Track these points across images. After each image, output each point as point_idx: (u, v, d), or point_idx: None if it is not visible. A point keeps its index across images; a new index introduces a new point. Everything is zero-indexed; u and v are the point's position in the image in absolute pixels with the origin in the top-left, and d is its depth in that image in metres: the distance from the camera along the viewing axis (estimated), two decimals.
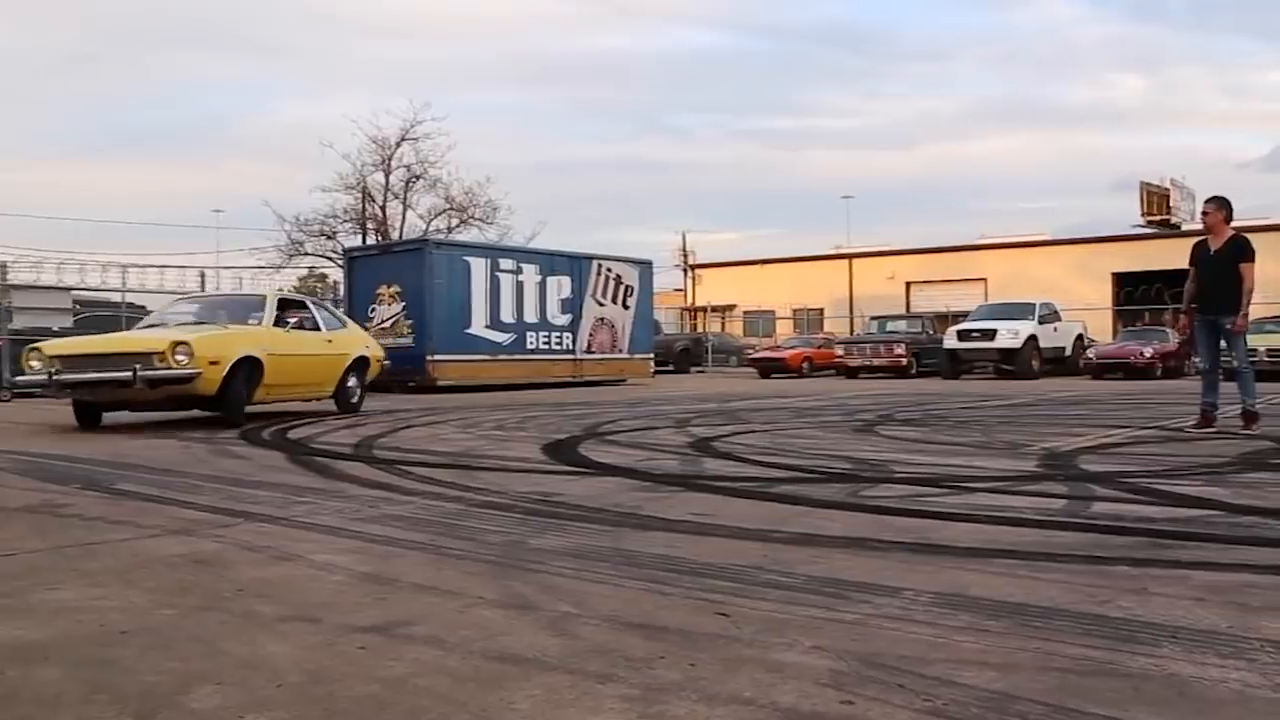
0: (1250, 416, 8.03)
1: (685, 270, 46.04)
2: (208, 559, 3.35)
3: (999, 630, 2.43)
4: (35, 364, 8.78)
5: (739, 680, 2.07)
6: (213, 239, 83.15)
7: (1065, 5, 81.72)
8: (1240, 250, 8.09)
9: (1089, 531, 3.76)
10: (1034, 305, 23.82)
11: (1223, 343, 8.28)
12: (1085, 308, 29.11)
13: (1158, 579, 2.96)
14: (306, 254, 31.83)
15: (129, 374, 8.40)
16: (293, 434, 8.19)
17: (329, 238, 31.03)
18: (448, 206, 31.23)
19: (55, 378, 8.53)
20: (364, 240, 29.69)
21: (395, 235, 29.47)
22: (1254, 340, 10.85)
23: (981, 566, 3.14)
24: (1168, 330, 23.83)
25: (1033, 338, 22.57)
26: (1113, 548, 3.43)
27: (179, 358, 8.60)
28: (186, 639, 2.43)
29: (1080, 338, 25.43)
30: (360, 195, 30.85)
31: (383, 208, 31.08)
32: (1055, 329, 24.08)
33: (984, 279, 37.49)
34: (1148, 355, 22.08)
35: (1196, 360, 8.78)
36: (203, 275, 31.64)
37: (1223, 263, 8.08)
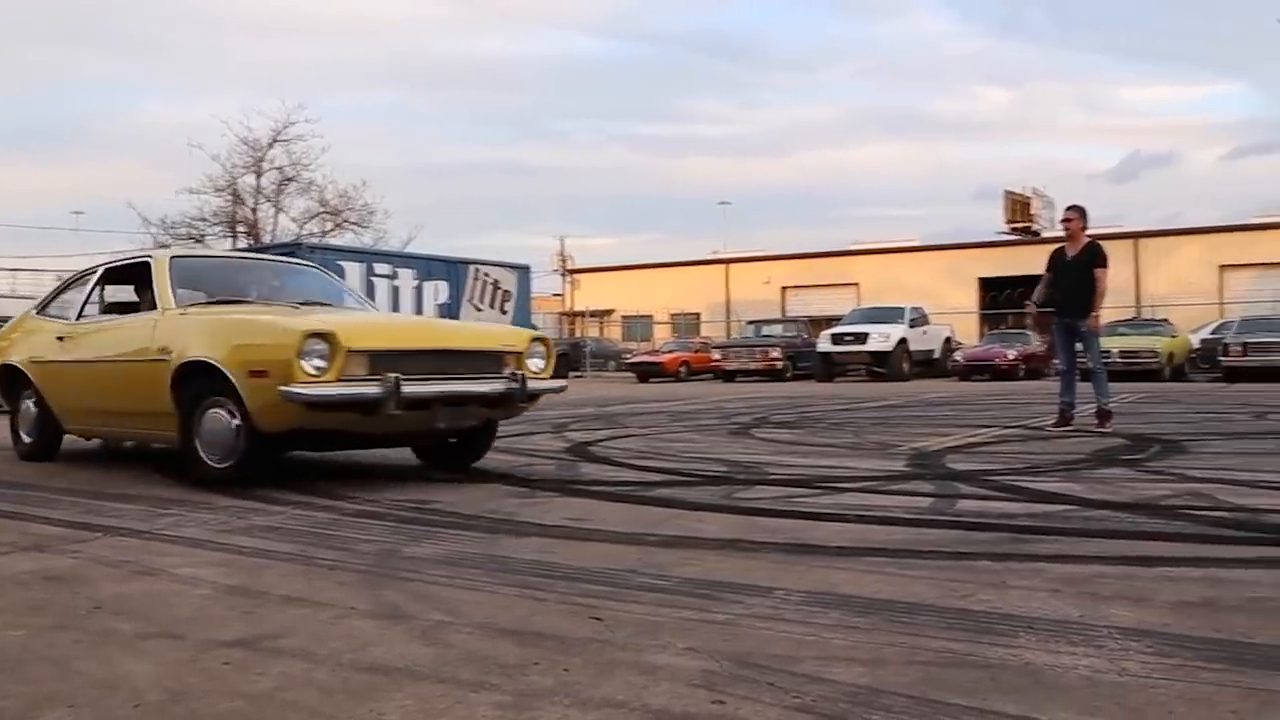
0: (1104, 415, 8.42)
1: (563, 275, 45.99)
2: (62, 576, 3.20)
3: (867, 627, 2.49)
4: (318, 363, 4.82)
5: (612, 684, 2.08)
6: (72, 242, 79.62)
7: (933, 20, 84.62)
8: (1095, 256, 8.49)
9: (954, 528, 3.89)
10: (904, 310, 24.54)
11: (1079, 344, 8.68)
12: (953, 312, 30.12)
13: (1016, 572, 3.08)
14: None
15: (505, 384, 5.46)
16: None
17: (197, 241, 30.03)
18: (322, 209, 30.58)
19: (401, 391, 4.89)
20: (234, 244, 28.84)
21: (267, 239, 28.69)
22: (1108, 342, 11.38)
23: (851, 565, 3.22)
24: (1030, 333, 24.82)
25: (903, 341, 23.24)
26: (976, 543, 3.55)
27: (533, 361, 5.85)
28: (37, 660, 2.32)
29: (948, 341, 26.32)
30: (230, 198, 29.97)
31: (254, 210, 30.25)
32: (924, 332, 24.86)
33: (857, 284, 38.44)
34: (1011, 357, 22.96)
35: (1057, 363, 9.16)
36: (60, 279, 30.28)
37: (1079, 268, 8.47)
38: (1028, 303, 9.11)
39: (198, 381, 5.22)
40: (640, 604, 2.73)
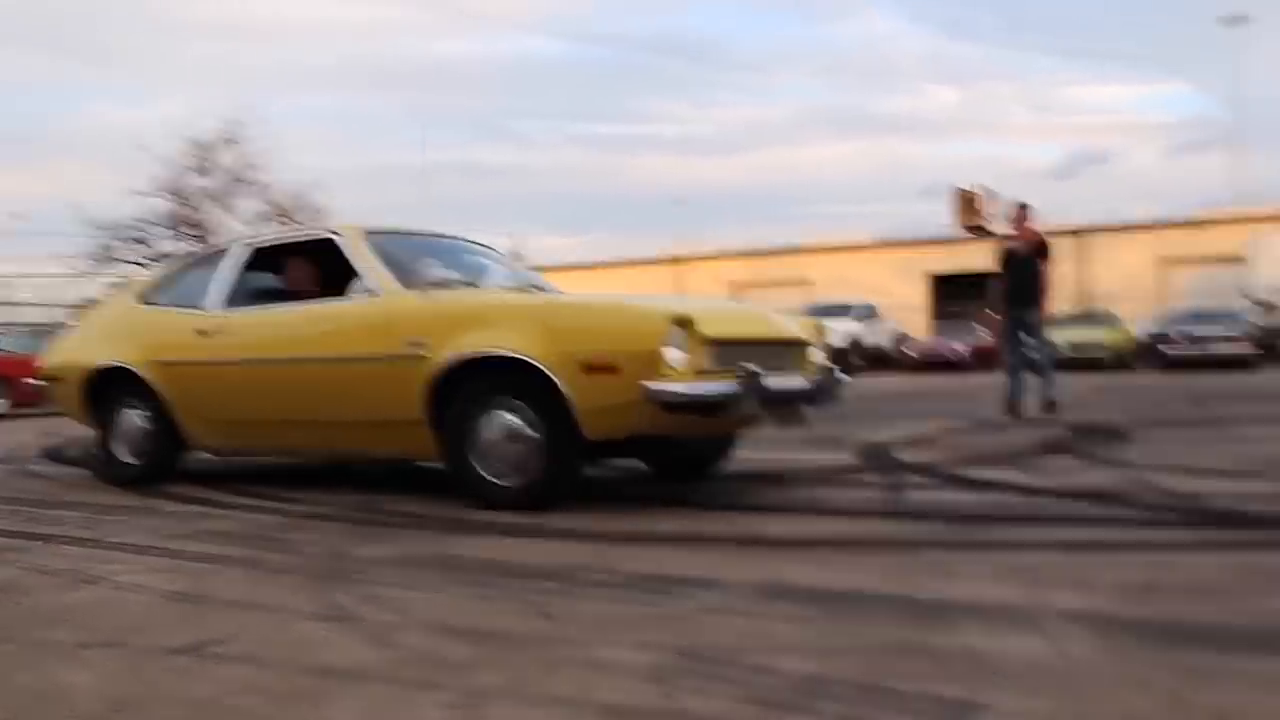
0: (1051, 405, 8.55)
1: None
2: (0, 586, 3.14)
3: (815, 618, 2.51)
4: (678, 356, 4.05)
5: (561, 680, 2.08)
6: (11, 245, 77.91)
7: (884, 20, 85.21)
8: (1041, 250, 8.65)
9: (901, 520, 3.93)
10: (852, 306, 24.74)
11: (1027, 337, 8.81)
12: (906, 307, 30.40)
13: (963, 561, 3.11)
14: (118, 260, 30.25)
15: (828, 377, 4.82)
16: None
17: (142, 243, 29.58)
18: (272, 211, 30.22)
19: (762, 387, 4.17)
20: (181, 246, 28.42)
21: (214, 241, 28.31)
22: (1056, 335, 11.55)
23: (801, 557, 3.24)
24: (979, 327, 25.13)
25: (854, 337, 23.41)
26: (924, 534, 3.60)
27: (818, 352, 5.01)
28: None
29: (900, 336, 26.56)
30: (177, 199, 29.53)
31: (197, 211, 29.83)
32: (875, 327, 25.07)
33: (812, 282, 38.65)
34: (962, 351, 23.24)
35: (1005, 355, 9.28)
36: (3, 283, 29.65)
37: (1028, 262, 8.63)
38: (989, 313, 9.25)
39: (474, 382, 4.32)
40: (591, 600, 2.73)
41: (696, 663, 2.16)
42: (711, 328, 4.21)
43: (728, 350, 4.25)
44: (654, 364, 3.97)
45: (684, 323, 4.09)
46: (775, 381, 4.27)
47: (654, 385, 3.94)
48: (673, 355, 4.02)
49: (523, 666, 2.18)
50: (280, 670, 2.21)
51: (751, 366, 4.13)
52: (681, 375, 4.02)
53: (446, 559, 3.33)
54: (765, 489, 4.88)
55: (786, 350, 4.74)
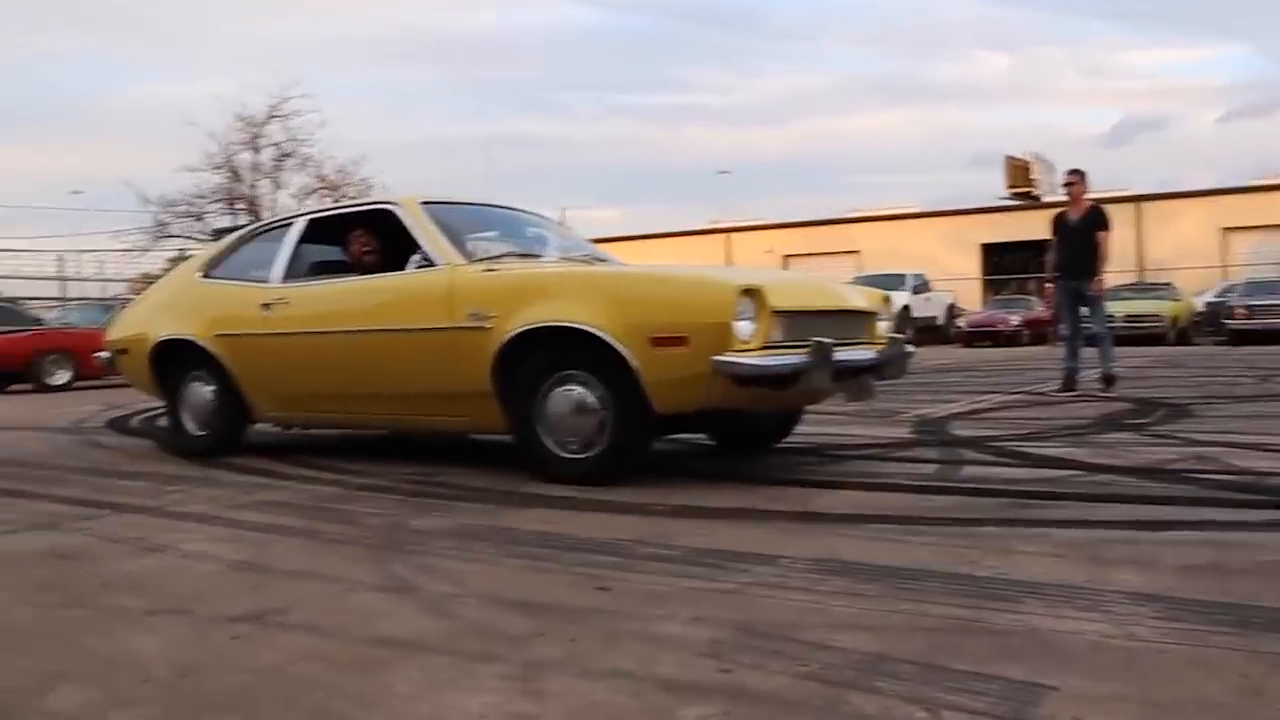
0: (1109, 379, 8.42)
1: None
2: (70, 553, 3.21)
3: (872, 594, 2.49)
4: (748, 327, 4.00)
5: (618, 654, 2.09)
6: (70, 222, 79.39)
7: None
8: (1098, 219, 8.49)
9: (958, 495, 3.88)
10: (905, 276, 24.49)
11: (1083, 309, 8.67)
12: (955, 278, 30.03)
13: (1022, 538, 3.08)
14: (174, 236, 30.72)
15: (897, 348, 4.76)
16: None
17: (197, 219, 30.00)
18: (320, 185, 30.48)
19: (833, 360, 4.10)
20: (235, 221, 28.78)
21: (266, 215, 28.64)
22: (1113, 306, 11.36)
23: (856, 532, 3.22)
24: (1033, 299, 24.76)
25: (906, 308, 23.19)
26: (980, 509, 3.55)
27: (883, 323, 4.95)
28: (46, 638, 2.33)
29: (951, 307, 26.28)
30: (229, 175, 29.89)
31: (252, 187, 30.19)
32: (927, 299, 24.82)
33: (859, 251, 38.29)
34: (1015, 323, 22.95)
35: (1061, 327, 9.14)
36: (60, 259, 30.23)
37: (1083, 232, 8.47)
38: (1047, 285, 9.12)
39: (539, 354, 4.28)
40: (646, 574, 2.74)
41: (754, 638, 2.16)
42: (780, 299, 4.14)
43: (796, 321, 4.20)
44: (724, 336, 3.91)
45: (754, 294, 4.02)
46: (845, 353, 4.21)
47: (724, 358, 3.88)
48: (743, 327, 3.96)
49: (581, 639, 2.19)
50: (341, 639, 2.24)
51: (823, 339, 4.05)
52: (751, 348, 3.97)
53: (502, 531, 3.36)
54: (820, 463, 4.85)
55: (854, 321, 4.68)
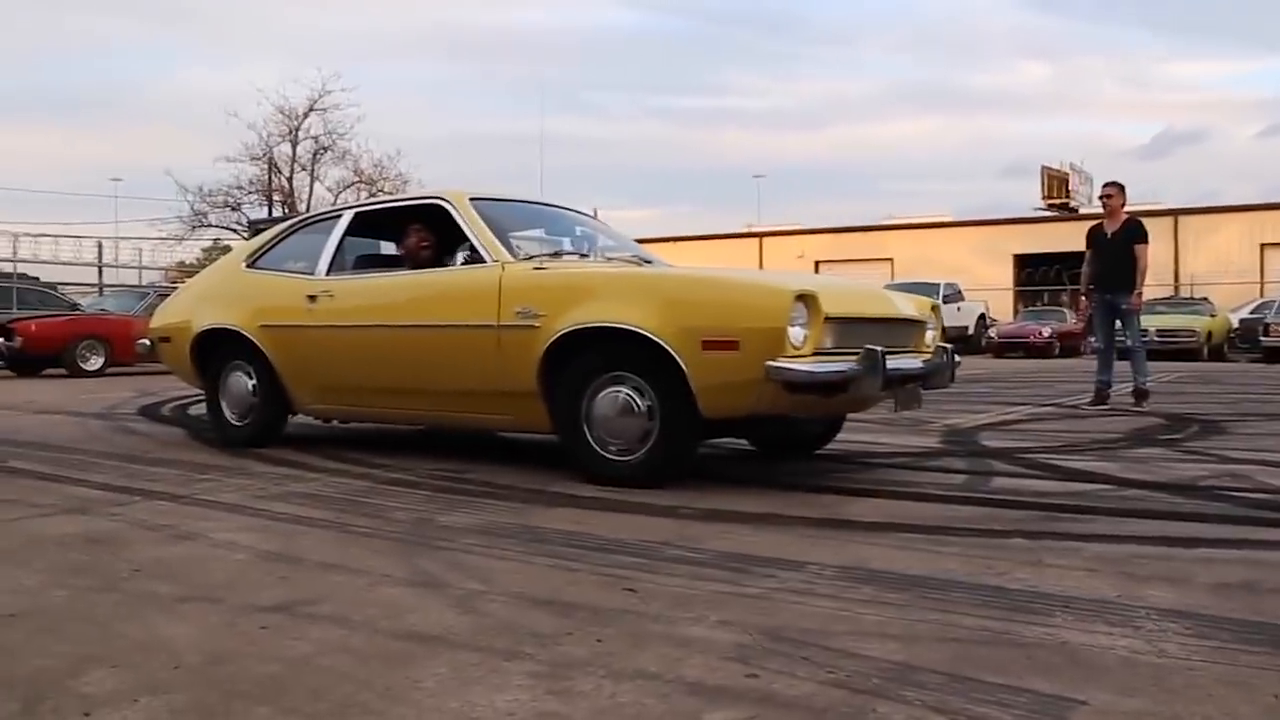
0: (1141, 394, 8.34)
1: None
2: (103, 538, 3.25)
3: (900, 603, 2.48)
4: (801, 333, 3.96)
5: (645, 655, 2.09)
6: (110, 208, 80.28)
7: None
8: (1135, 232, 8.41)
9: (987, 506, 3.86)
10: (938, 285, 24.35)
11: (1118, 322, 8.59)
12: (987, 288, 29.84)
13: (1052, 551, 3.05)
14: (210, 225, 31.04)
15: (944, 358, 4.79)
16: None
17: (234, 209, 30.31)
18: (357, 179, 30.73)
19: (886, 368, 4.04)
20: (269, 213, 29.04)
21: (302, 208, 28.86)
22: (1146, 321, 11.25)
23: (884, 540, 3.21)
24: (1065, 310, 24.58)
25: None
26: (1010, 521, 3.53)
27: (931, 333, 4.94)
28: (79, 621, 2.36)
29: (982, 317, 26.13)
30: (266, 166, 30.17)
31: (289, 179, 30.45)
32: (959, 309, 24.69)
33: (891, 259, 38.13)
34: (1046, 335, 22.80)
35: (1093, 340, 9.07)
36: (100, 246, 30.61)
37: (1119, 245, 8.40)
38: (1082, 298, 9.07)
39: (589, 354, 4.24)
40: (674, 576, 2.74)
41: (780, 644, 2.15)
42: (832, 305, 4.10)
43: (846, 328, 4.17)
44: (778, 341, 3.87)
45: (807, 299, 3.97)
46: (894, 362, 4.16)
47: (777, 363, 3.84)
48: (796, 333, 3.92)
49: (608, 640, 2.19)
50: (369, 633, 2.26)
51: (874, 346, 4.02)
52: (803, 354, 3.93)
53: (529, 530, 3.37)
54: (850, 471, 4.83)
55: (903, 330, 4.67)
